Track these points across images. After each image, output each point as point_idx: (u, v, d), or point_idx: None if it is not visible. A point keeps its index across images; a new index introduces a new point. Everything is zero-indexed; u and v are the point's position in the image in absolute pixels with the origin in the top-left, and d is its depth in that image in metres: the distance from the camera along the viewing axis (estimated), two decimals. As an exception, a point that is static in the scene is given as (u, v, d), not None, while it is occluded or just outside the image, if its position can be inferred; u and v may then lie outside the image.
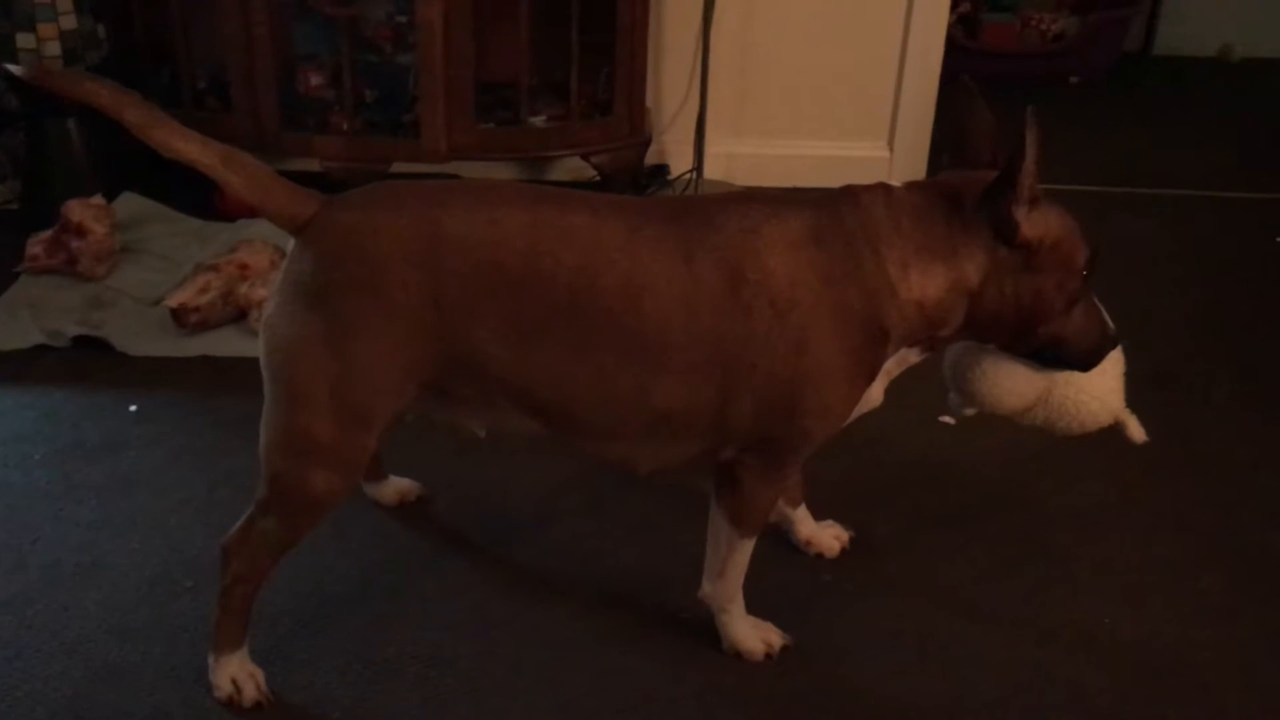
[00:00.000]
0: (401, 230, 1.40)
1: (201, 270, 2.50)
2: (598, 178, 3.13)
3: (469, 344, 1.42)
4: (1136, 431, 1.66)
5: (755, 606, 1.69)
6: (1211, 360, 2.56)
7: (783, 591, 1.80)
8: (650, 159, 3.28)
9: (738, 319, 1.42)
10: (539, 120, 3.06)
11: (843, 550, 1.90)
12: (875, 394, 1.57)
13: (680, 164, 3.32)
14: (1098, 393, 1.61)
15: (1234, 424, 2.32)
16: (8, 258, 2.69)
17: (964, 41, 4.32)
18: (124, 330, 2.45)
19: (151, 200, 2.96)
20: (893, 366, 1.55)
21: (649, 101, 3.22)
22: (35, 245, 2.66)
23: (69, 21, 2.72)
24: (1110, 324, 1.57)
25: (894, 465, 2.15)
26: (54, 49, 2.71)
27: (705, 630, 1.69)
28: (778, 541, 1.88)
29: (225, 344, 2.42)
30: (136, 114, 1.37)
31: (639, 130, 3.12)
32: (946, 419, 2.25)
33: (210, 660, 1.57)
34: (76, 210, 2.63)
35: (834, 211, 1.46)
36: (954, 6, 3.98)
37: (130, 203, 2.93)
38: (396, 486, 1.97)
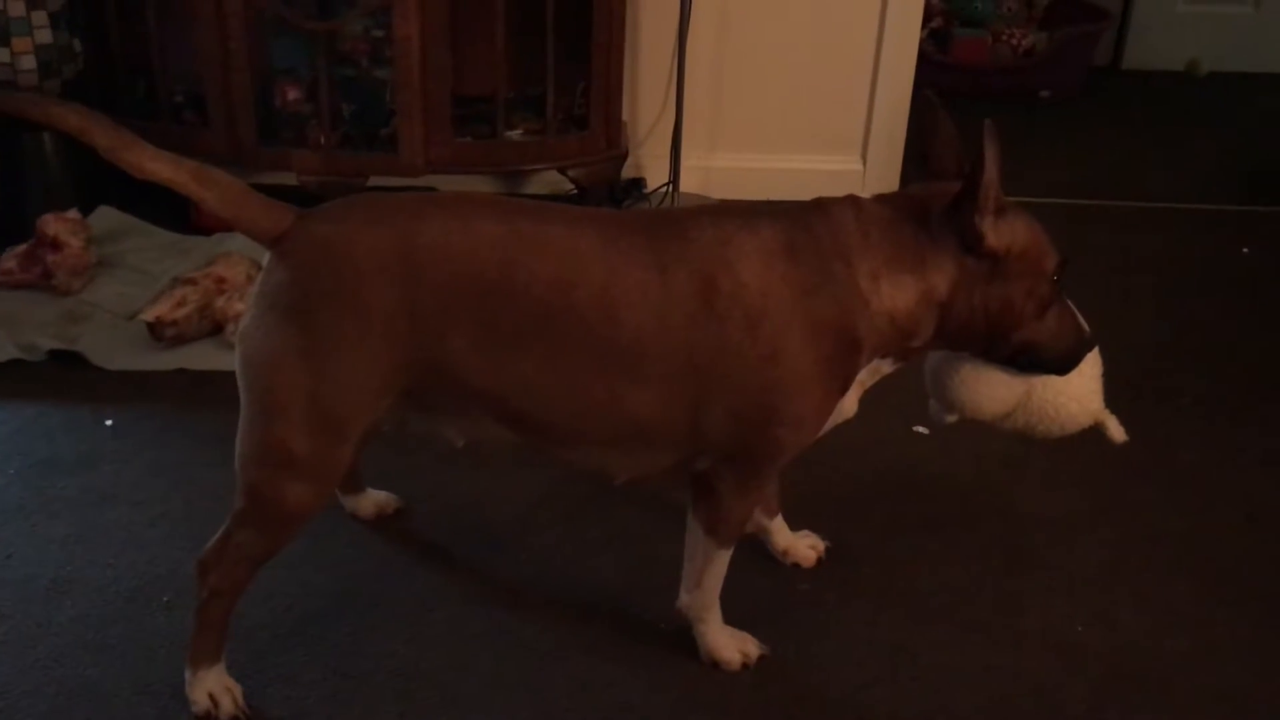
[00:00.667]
0: (377, 242, 1.41)
1: (178, 284, 2.50)
2: (574, 191, 3.14)
3: (444, 355, 1.43)
4: (1116, 431, 1.67)
5: (732, 616, 1.70)
6: (1182, 370, 2.59)
7: (760, 601, 1.81)
8: (627, 172, 3.30)
9: (711, 330, 1.43)
10: (516, 134, 3.07)
11: (819, 560, 1.91)
12: (849, 405, 1.58)
13: (656, 177, 3.34)
14: (1076, 395, 1.62)
15: (1204, 433, 2.35)
16: (-19, 272, 2.68)
17: (936, 56, 4.36)
18: (100, 344, 2.44)
19: (128, 214, 2.95)
20: (866, 377, 1.57)
21: (625, 115, 3.24)
22: (10, 259, 2.64)
23: (44, 35, 2.72)
24: (1085, 326, 1.58)
25: (870, 475, 2.16)
26: (29, 63, 2.71)
27: (683, 640, 1.70)
28: (755, 551, 1.89)
29: (202, 357, 2.41)
30: (105, 137, 1.37)
31: (615, 144, 3.13)
32: (921, 429, 2.27)
33: (187, 675, 1.56)
34: (52, 224, 2.63)
35: (805, 223, 1.48)
36: (926, 21, 4.02)
37: (106, 216, 2.92)
38: (374, 499, 1.97)
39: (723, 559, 1.62)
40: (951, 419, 1.71)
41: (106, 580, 1.81)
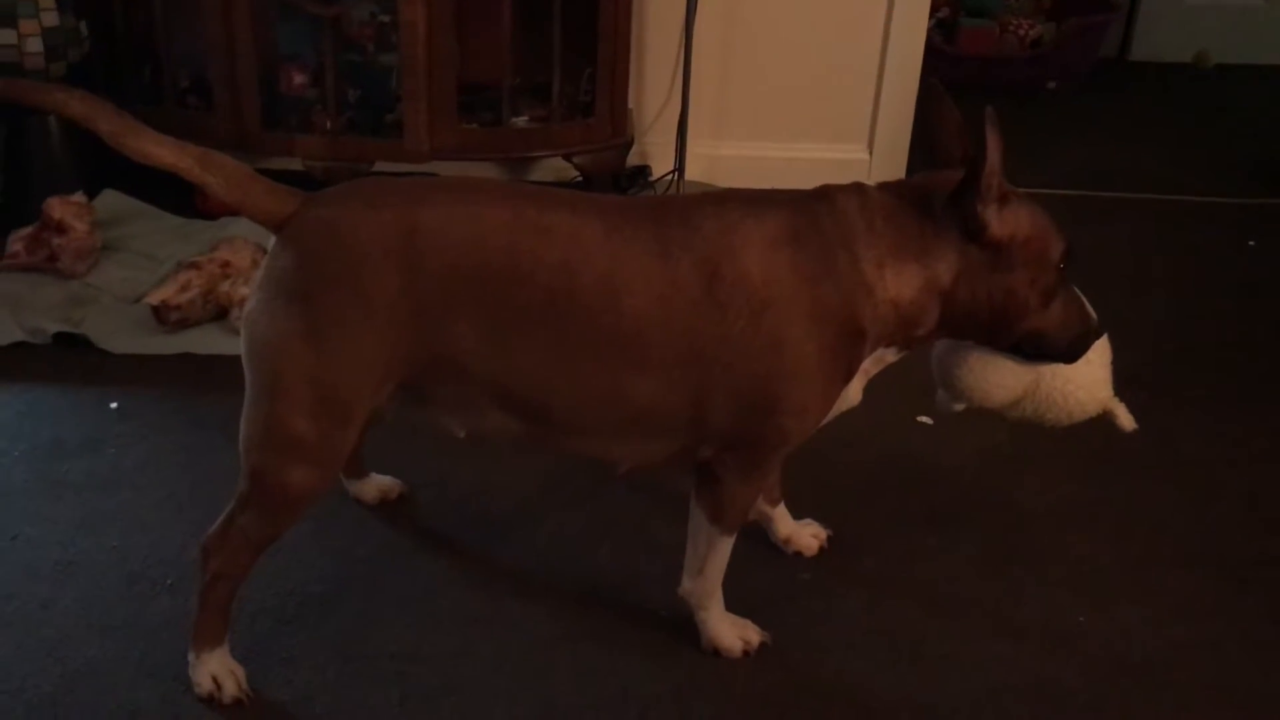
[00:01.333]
0: (381, 226, 1.41)
1: (183, 268, 2.50)
2: (579, 178, 3.14)
3: (447, 340, 1.43)
4: (1126, 420, 1.66)
5: (734, 604, 1.70)
6: (1186, 362, 2.59)
7: (761, 589, 1.81)
8: (632, 160, 3.29)
9: (714, 317, 1.43)
10: (521, 121, 3.07)
11: (821, 549, 1.91)
12: (853, 393, 1.58)
13: (662, 165, 3.33)
14: (1084, 383, 1.61)
15: (1208, 425, 2.35)
16: (-13, 255, 2.69)
17: (942, 46, 4.35)
18: (105, 328, 2.44)
19: (133, 198, 2.95)
20: (870, 366, 1.57)
21: (631, 103, 3.23)
22: (16, 243, 2.65)
23: (50, 18, 2.71)
24: (1093, 314, 1.57)
25: (872, 465, 2.16)
26: (35, 45, 2.71)
27: (684, 628, 1.71)
28: (756, 540, 1.89)
29: (206, 342, 2.42)
30: (109, 123, 1.38)
31: (621, 131, 3.13)
32: (924, 419, 2.27)
33: (190, 657, 1.57)
34: (57, 208, 2.63)
35: (810, 211, 1.48)
36: (933, 12, 4.01)
37: (111, 200, 2.93)
38: (378, 484, 1.97)
39: (725, 546, 1.63)
40: (959, 408, 1.70)
41: (111, 563, 1.81)
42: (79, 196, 2.71)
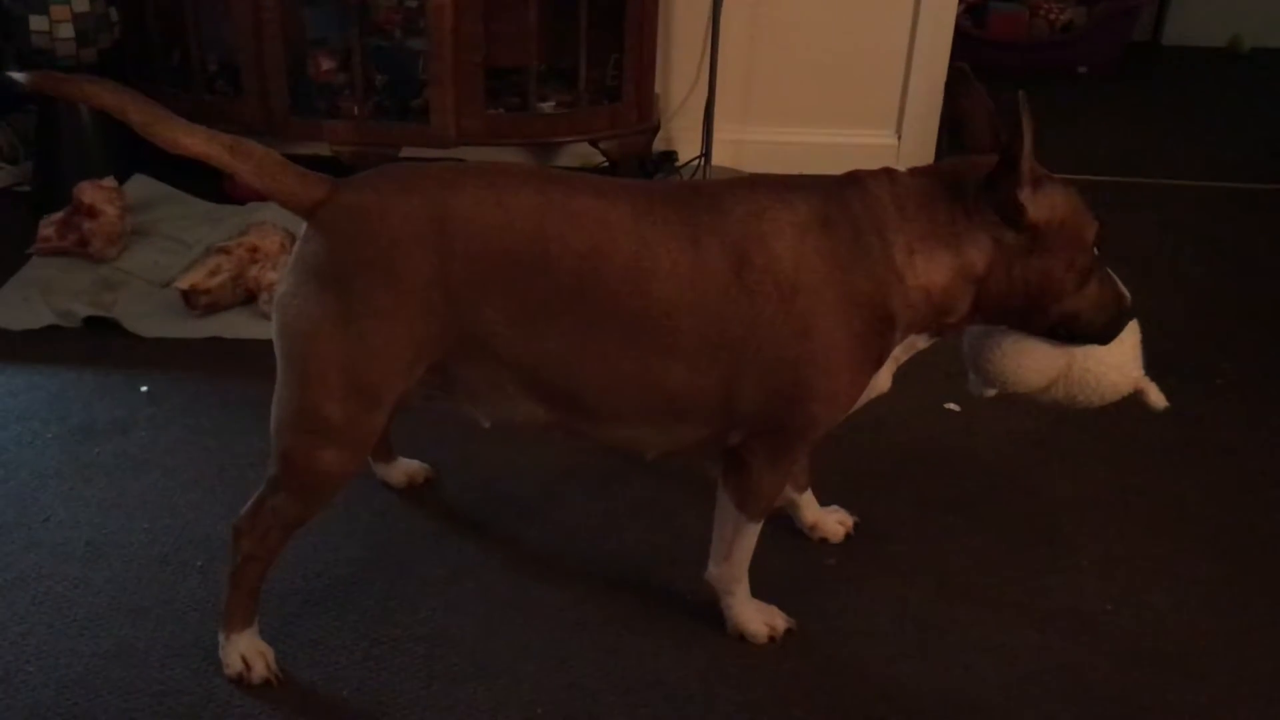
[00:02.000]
0: (411, 211, 1.41)
1: (212, 253, 2.52)
2: (606, 164, 3.14)
3: (477, 325, 1.44)
4: (1157, 399, 1.64)
5: (760, 590, 1.70)
6: (1216, 349, 2.56)
7: (787, 575, 1.81)
8: (658, 145, 3.29)
9: (743, 303, 1.43)
10: (548, 106, 3.07)
11: (847, 535, 1.91)
12: (883, 380, 1.57)
13: (688, 150, 3.32)
14: (1116, 363, 1.59)
15: (1239, 414, 2.32)
16: (20, 239, 2.71)
17: (972, 31, 4.32)
18: (135, 312, 2.46)
19: (163, 182, 2.97)
20: (901, 353, 1.56)
21: (657, 88, 3.22)
22: (47, 227, 2.67)
23: (82, 4, 2.73)
24: (1126, 294, 1.56)
25: (899, 451, 2.15)
26: (67, 31, 2.72)
27: (710, 613, 1.71)
28: (783, 526, 1.89)
29: (235, 326, 2.43)
30: (140, 113, 1.38)
31: (647, 116, 3.12)
32: (952, 406, 2.26)
33: (220, 638, 1.59)
34: (88, 192, 2.65)
35: (840, 197, 1.47)
36: (963, -5, 3.98)
37: (141, 185, 2.95)
38: (405, 468, 1.98)
39: (752, 532, 1.63)
40: (991, 392, 1.69)
41: (141, 544, 1.83)
42: (109, 181, 2.73)
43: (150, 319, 2.45)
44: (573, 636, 1.69)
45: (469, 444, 2.07)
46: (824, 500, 1.92)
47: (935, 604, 1.79)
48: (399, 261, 1.40)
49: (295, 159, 1.48)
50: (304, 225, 1.46)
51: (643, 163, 3.23)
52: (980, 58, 3.86)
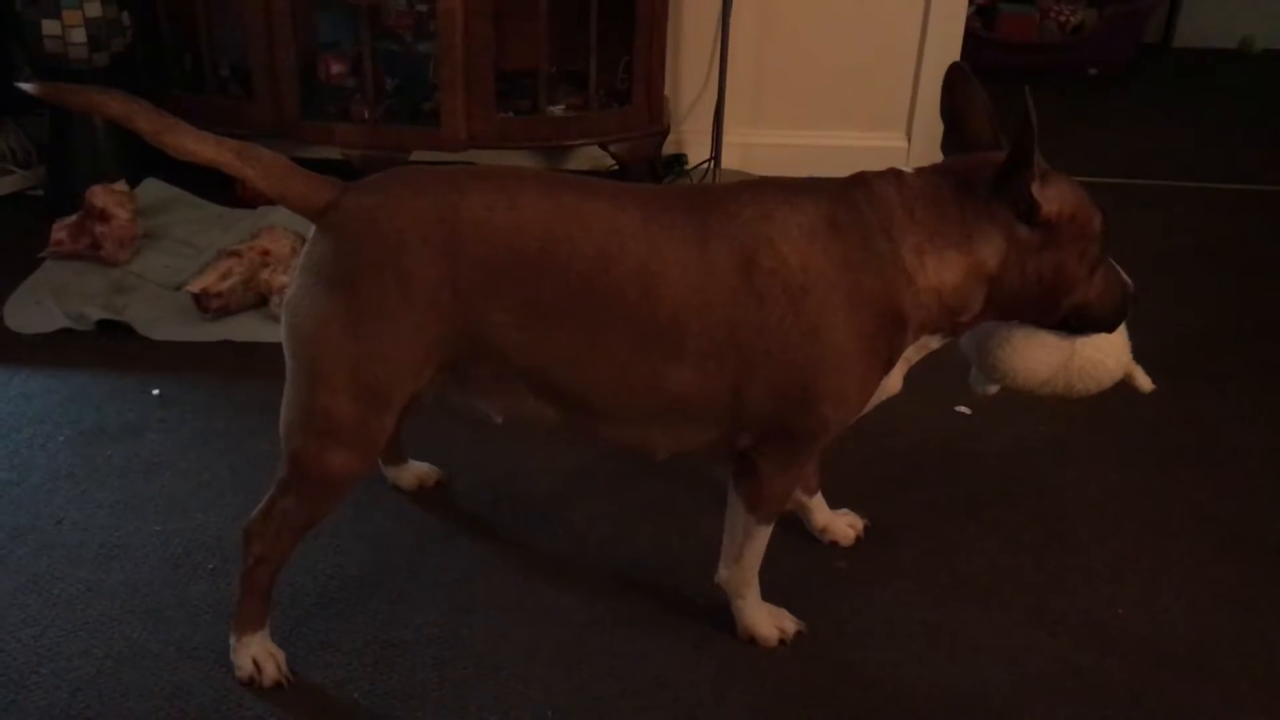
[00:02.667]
0: (421, 214, 1.42)
1: (223, 256, 2.53)
2: (616, 167, 3.14)
3: (486, 327, 1.44)
4: (1144, 381, 1.65)
5: (770, 593, 1.70)
6: (1227, 351, 2.55)
7: (797, 578, 1.81)
8: (668, 148, 3.29)
9: (751, 306, 1.43)
10: (558, 109, 3.07)
11: (857, 538, 1.91)
12: (894, 381, 1.57)
13: (698, 153, 3.32)
14: (1112, 351, 1.60)
15: (1251, 415, 2.32)
16: (32, 243, 2.72)
17: (982, 32, 4.31)
18: (147, 315, 2.47)
19: (174, 186, 2.98)
20: (912, 354, 1.56)
21: (667, 91, 3.23)
22: (59, 230, 2.68)
23: (94, 8, 2.74)
24: (1128, 281, 1.57)
25: (909, 454, 2.15)
26: (79, 35, 2.74)
27: (720, 615, 1.71)
28: (793, 529, 1.89)
29: (247, 329, 2.44)
30: (148, 121, 1.39)
31: (657, 119, 3.13)
32: (962, 408, 2.26)
33: (231, 640, 1.59)
34: (100, 196, 2.66)
35: (848, 198, 1.47)
36: (973, -3, 3.97)
37: (153, 188, 2.96)
38: (415, 471, 1.98)
39: (763, 535, 1.62)
40: (993, 389, 1.69)
41: (153, 547, 1.84)
42: (121, 185, 2.74)
43: (162, 322, 2.46)
44: (583, 639, 1.69)
45: (479, 446, 2.08)
46: (834, 503, 1.92)
47: (946, 607, 1.79)
48: (408, 263, 1.41)
49: (306, 163, 1.48)
50: (312, 228, 1.46)
51: (652, 166, 3.24)
52: (990, 59, 3.87)
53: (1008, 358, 1.59)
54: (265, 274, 2.48)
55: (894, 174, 1.50)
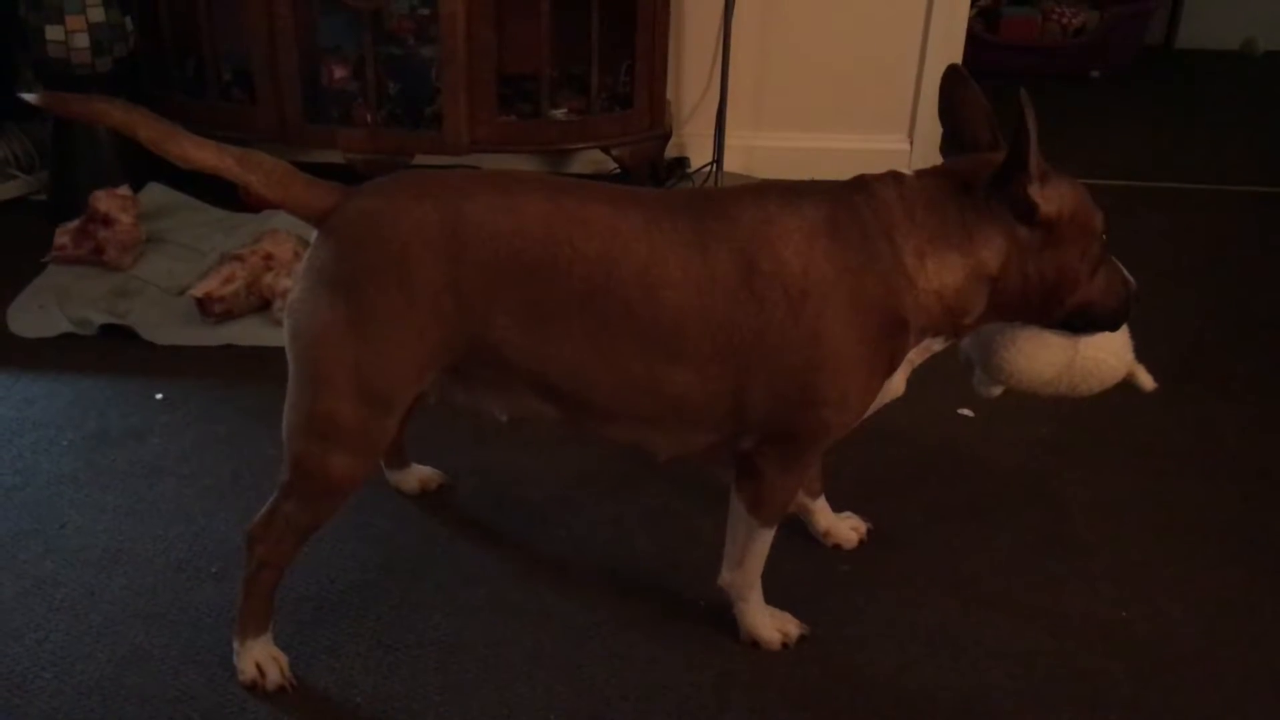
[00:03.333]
0: (423, 217, 1.42)
1: (226, 260, 2.53)
2: (618, 170, 3.14)
3: (488, 331, 1.44)
4: (1146, 380, 1.65)
5: (773, 596, 1.70)
6: (1230, 353, 2.55)
7: (800, 582, 1.81)
8: (670, 152, 3.29)
9: (752, 309, 1.43)
10: (560, 113, 3.07)
11: (860, 541, 1.91)
12: (897, 384, 1.57)
13: (700, 156, 3.32)
14: (1114, 349, 1.60)
15: (1255, 418, 2.31)
16: (36, 247, 2.73)
17: (984, 35, 4.31)
18: (150, 319, 2.48)
19: (177, 190, 2.99)
20: (916, 356, 1.56)
21: (669, 94, 3.23)
22: (63, 235, 2.69)
23: (96, 14, 2.75)
24: (1130, 278, 1.57)
25: (913, 457, 2.15)
26: (82, 41, 2.74)
27: (722, 619, 1.71)
28: (796, 532, 1.89)
29: (249, 333, 2.44)
30: (149, 130, 1.40)
31: (659, 123, 3.13)
32: (966, 411, 2.26)
33: (235, 645, 1.60)
34: (103, 200, 2.67)
35: (848, 202, 1.47)
36: (974, 0, 3.97)
37: (156, 193, 2.96)
38: (418, 474, 1.99)
39: (765, 538, 1.62)
40: (997, 391, 1.69)
41: (156, 551, 1.84)
42: (124, 189, 2.75)
43: (165, 326, 2.46)
44: (585, 642, 1.69)
45: (482, 450, 2.08)
46: (837, 506, 1.92)
47: (949, 610, 1.78)
48: (410, 267, 1.41)
49: (308, 167, 1.49)
50: (315, 232, 1.46)
51: (655, 169, 3.24)
52: (992, 62, 3.88)
53: (1012, 359, 1.59)
54: (268, 278, 2.49)
55: (894, 177, 1.50)
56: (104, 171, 2.84)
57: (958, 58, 3.25)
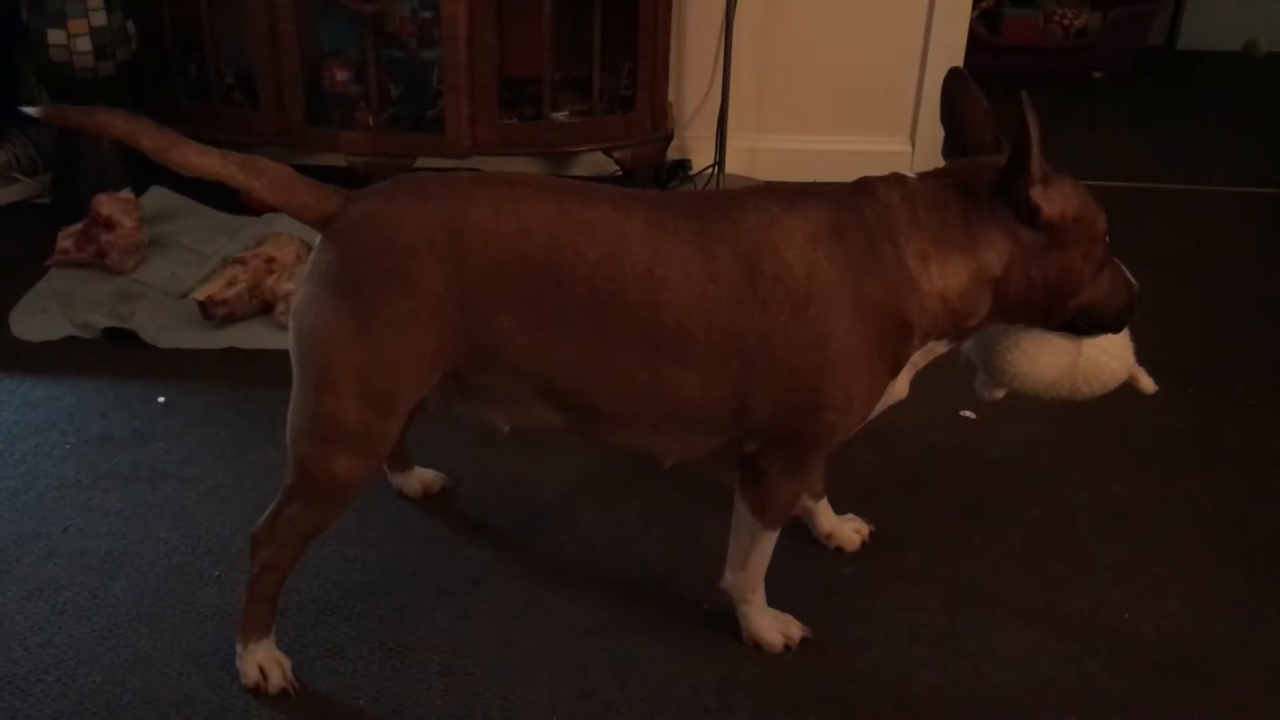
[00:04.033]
0: (426, 220, 1.42)
1: (229, 263, 2.53)
2: (620, 173, 3.14)
3: (492, 334, 1.44)
4: (1147, 383, 1.65)
5: (775, 598, 1.70)
6: (1232, 355, 2.55)
7: (803, 584, 1.81)
8: (672, 154, 3.29)
9: (755, 312, 1.43)
10: (562, 115, 3.07)
11: (863, 544, 1.90)
12: (901, 386, 1.57)
13: (702, 159, 3.33)
14: (1116, 351, 1.60)
15: (1256, 420, 2.31)
16: (38, 251, 2.73)
17: (986, 37, 4.31)
18: (152, 323, 2.48)
19: (179, 194, 2.99)
20: (919, 358, 1.55)
21: (671, 96, 3.23)
22: (65, 239, 2.69)
23: (99, 18, 2.75)
24: (1132, 280, 1.57)
25: (916, 459, 2.15)
26: (84, 44, 2.74)
27: (725, 621, 1.71)
28: (798, 534, 1.89)
29: (252, 336, 2.44)
30: (152, 139, 1.40)
31: (661, 125, 3.13)
32: (968, 414, 2.26)
33: (238, 648, 1.60)
34: (106, 204, 2.67)
35: (851, 204, 1.47)
36: (976, 1, 3.97)
37: (159, 196, 2.97)
38: (421, 477, 1.99)
39: (769, 540, 1.62)
40: (1000, 394, 1.69)
41: (159, 554, 1.84)
42: (127, 193, 2.75)
43: (168, 330, 2.46)
44: (588, 644, 1.69)
45: (484, 453, 2.08)
46: (840, 508, 1.92)
47: (952, 612, 1.78)
48: (413, 270, 1.41)
49: (311, 170, 1.49)
50: (318, 236, 1.47)
51: (657, 171, 3.24)
52: (994, 63, 3.87)
53: (1015, 361, 1.59)
54: (270, 281, 2.49)
55: (897, 179, 1.50)
56: (106, 175, 2.84)
57: (959, 60, 3.25)
